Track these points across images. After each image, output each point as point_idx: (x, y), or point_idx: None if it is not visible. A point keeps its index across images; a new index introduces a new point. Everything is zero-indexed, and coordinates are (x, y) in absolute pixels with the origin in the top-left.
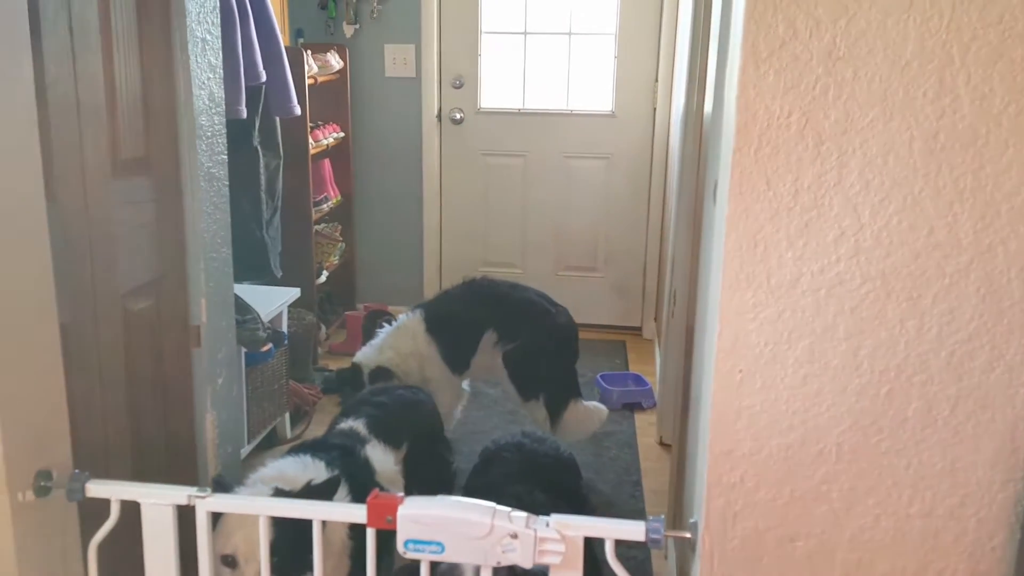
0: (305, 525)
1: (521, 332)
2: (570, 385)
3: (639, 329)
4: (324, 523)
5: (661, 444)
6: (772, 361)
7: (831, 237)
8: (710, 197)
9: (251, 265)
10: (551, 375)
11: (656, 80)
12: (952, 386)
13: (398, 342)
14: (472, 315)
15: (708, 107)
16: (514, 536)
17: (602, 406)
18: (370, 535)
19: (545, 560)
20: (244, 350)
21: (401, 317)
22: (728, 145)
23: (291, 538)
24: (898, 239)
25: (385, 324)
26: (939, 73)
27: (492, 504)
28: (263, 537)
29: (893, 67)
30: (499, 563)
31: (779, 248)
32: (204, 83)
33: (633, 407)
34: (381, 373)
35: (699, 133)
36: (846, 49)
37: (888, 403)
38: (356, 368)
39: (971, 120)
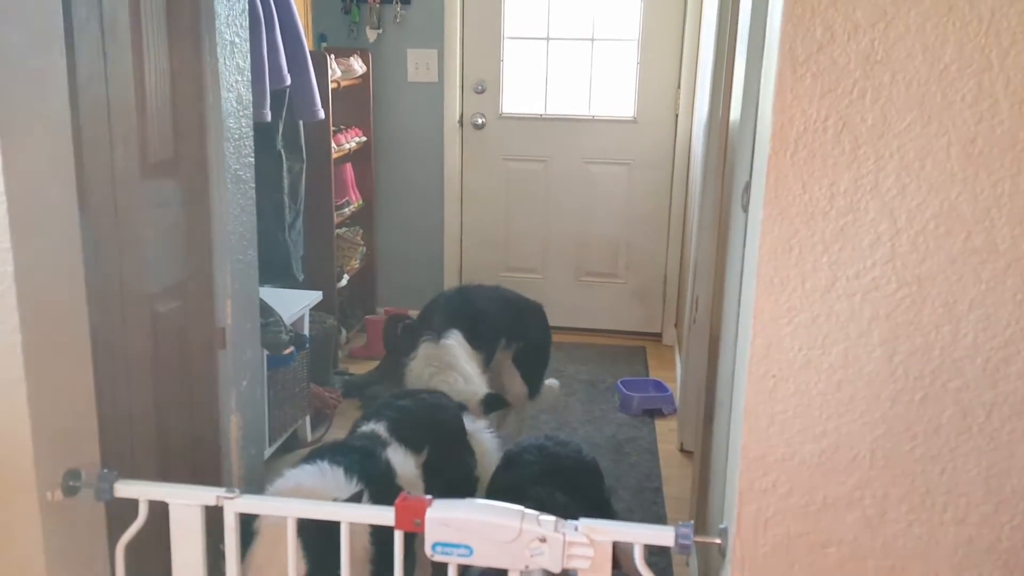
0: (334, 554)
1: (526, 332)
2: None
3: (659, 335)
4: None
5: (682, 451)
6: (806, 366)
7: (867, 242)
8: (737, 203)
9: (273, 268)
10: (542, 363)
11: (678, 86)
12: (987, 392)
13: (467, 366)
14: (490, 323)
15: (735, 113)
16: (542, 540)
17: (554, 380)
18: (398, 537)
19: (573, 564)
20: (266, 353)
21: (445, 342)
22: (763, 149)
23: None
24: (934, 244)
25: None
26: (978, 77)
27: (520, 507)
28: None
29: (931, 71)
30: (527, 567)
31: (814, 252)
32: (232, 85)
33: (654, 413)
34: (492, 399)
35: (724, 139)
36: (884, 53)
37: (923, 409)
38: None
39: (1009, 125)
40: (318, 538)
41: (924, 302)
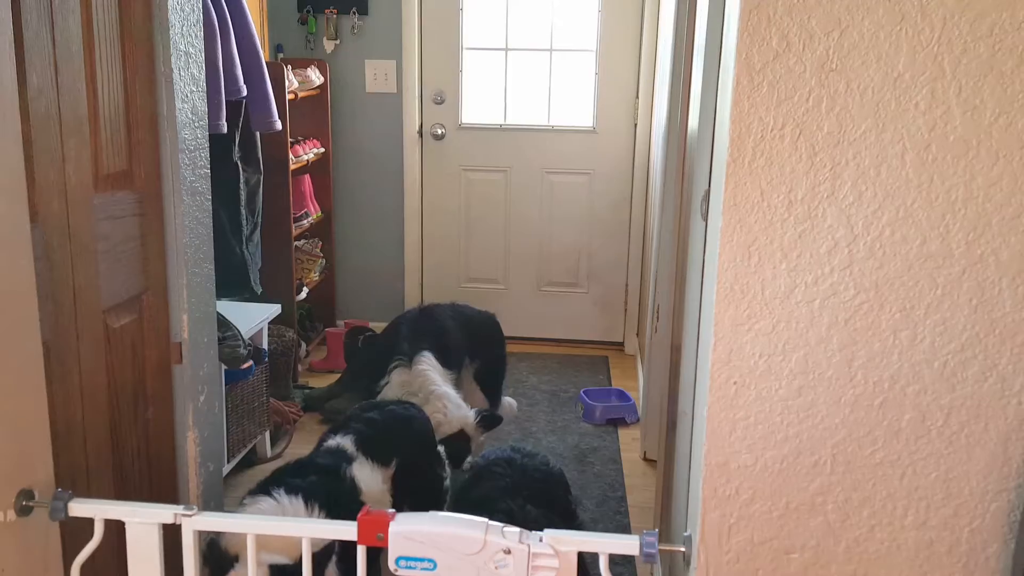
0: None
1: (484, 349)
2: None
3: (621, 344)
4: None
5: (645, 459)
6: (767, 373)
7: (824, 248)
8: (696, 211)
9: (231, 281)
10: (500, 376)
11: (637, 96)
12: (945, 396)
13: (448, 389)
14: (455, 342)
15: (693, 121)
16: (507, 552)
17: (512, 400)
18: (360, 552)
19: None
20: (224, 367)
21: (419, 368)
22: (721, 157)
23: None
24: (891, 250)
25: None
26: (931, 85)
27: (484, 520)
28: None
29: (885, 79)
30: None
31: (773, 259)
32: (187, 96)
33: (616, 422)
34: (487, 419)
35: (683, 148)
36: (839, 61)
37: (882, 414)
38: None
39: (962, 132)
40: None
41: (882, 307)
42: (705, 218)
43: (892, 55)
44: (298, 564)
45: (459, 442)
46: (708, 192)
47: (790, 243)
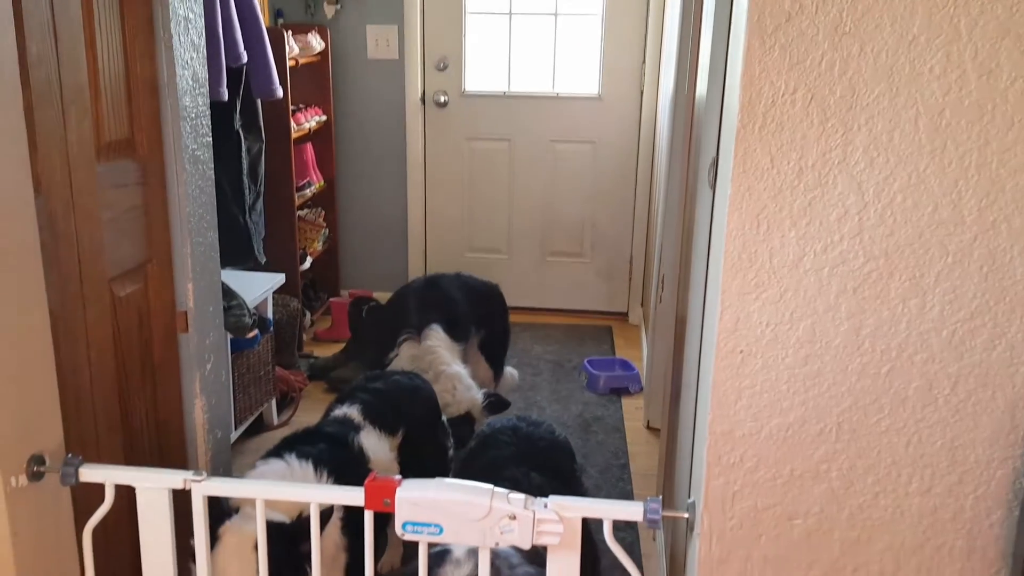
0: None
1: (488, 320)
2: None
3: (625, 314)
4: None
5: (648, 428)
6: (773, 341)
7: (834, 216)
8: (703, 180)
9: (234, 251)
10: (504, 346)
11: (643, 62)
12: (953, 364)
13: (457, 368)
14: (462, 314)
15: (701, 88)
16: (512, 517)
17: (514, 370)
18: (368, 517)
19: (543, 541)
20: (230, 336)
21: (428, 343)
22: (731, 123)
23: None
24: (902, 217)
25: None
26: (946, 48)
27: (490, 486)
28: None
29: (900, 42)
30: (497, 544)
31: (782, 227)
32: (187, 63)
33: (620, 392)
34: (494, 402)
35: (690, 115)
36: (853, 24)
37: (889, 382)
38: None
39: (977, 96)
40: (279, 548)
41: (891, 276)
42: (712, 186)
43: (907, 17)
44: (295, 522)
45: (464, 424)
46: (716, 160)
47: (799, 211)
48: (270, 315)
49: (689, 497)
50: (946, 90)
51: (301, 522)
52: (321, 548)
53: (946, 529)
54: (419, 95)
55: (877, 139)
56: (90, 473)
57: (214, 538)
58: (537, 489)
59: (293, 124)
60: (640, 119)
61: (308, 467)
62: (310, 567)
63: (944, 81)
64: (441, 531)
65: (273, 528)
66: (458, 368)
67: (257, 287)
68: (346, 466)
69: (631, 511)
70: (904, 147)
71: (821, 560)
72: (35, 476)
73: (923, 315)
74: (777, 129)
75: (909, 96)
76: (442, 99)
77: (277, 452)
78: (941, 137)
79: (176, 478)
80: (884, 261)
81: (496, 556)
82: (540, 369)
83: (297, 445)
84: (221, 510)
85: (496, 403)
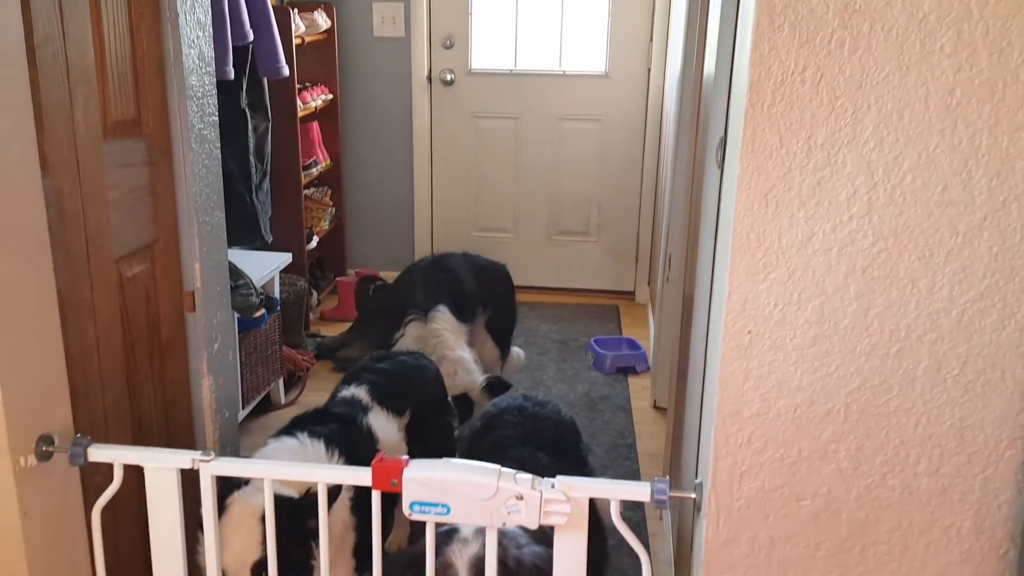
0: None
1: (495, 300)
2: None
3: (632, 294)
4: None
5: (655, 408)
6: (782, 322)
7: (844, 195)
8: (711, 159)
9: (241, 230)
10: (511, 325)
11: (651, 39)
12: (962, 345)
13: (461, 352)
14: (470, 294)
15: (709, 66)
16: (519, 498)
17: (520, 350)
18: (375, 497)
19: (550, 521)
20: (237, 316)
21: (433, 326)
22: (740, 102)
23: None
24: (911, 197)
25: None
26: (957, 26)
27: (497, 466)
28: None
29: (910, 20)
30: (504, 524)
31: (791, 207)
32: (193, 41)
33: (627, 371)
34: (493, 385)
35: (698, 93)
36: (863, 2)
37: (898, 362)
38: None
39: (988, 75)
40: (285, 523)
41: (900, 256)
42: (720, 165)
43: None
44: (303, 498)
45: (464, 403)
46: (723, 139)
47: (808, 190)
48: (277, 294)
49: (696, 478)
50: (957, 69)
51: (309, 497)
52: (329, 526)
53: (954, 509)
54: (425, 73)
55: (887, 118)
56: (99, 453)
57: (221, 508)
58: (544, 469)
59: (299, 103)
60: (647, 97)
61: (320, 445)
62: (316, 543)
63: (955, 59)
64: (448, 511)
65: (281, 502)
66: (462, 353)
67: (264, 266)
68: (356, 446)
69: (638, 491)
70: (914, 126)
71: (829, 540)
72: (44, 456)
73: (932, 295)
74: (786, 108)
75: (919, 75)
76: (448, 77)
77: (288, 431)
78: (951, 116)
79: (184, 458)
80: (893, 241)
81: (503, 535)
82: (546, 348)
83: (308, 425)
84: (230, 481)
85: (495, 386)
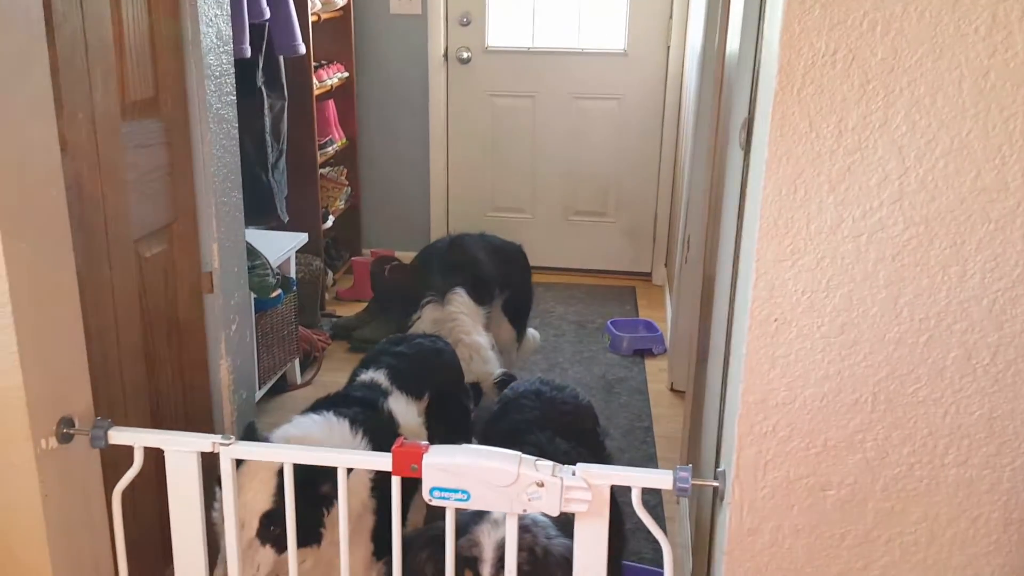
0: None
1: (512, 281)
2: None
3: (649, 275)
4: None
5: (672, 391)
6: (809, 309)
7: (874, 181)
8: (734, 140)
9: (257, 210)
10: (527, 307)
11: (671, 16)
12: (993, 334)
13: (478, 338)
14: (487, 276)
15: (732, 45)
16: (540, 485)
17: (535, 332)
18: (395, 483)
19: (571, 508)
20: (253, 296)
21: (450, 308)
22: (768, 85)
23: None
24: (943, 183)
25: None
26: (992, 8)
27: (518, 453)
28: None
29: (944, 1)
30: (524, 511)
31: (820, 193)
32: (212, 20)
33: (644, 353)
34: (506, 381)
35: (720, 73)
36: None
37: (927, 351)
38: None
39: None
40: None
41: (931, 243)
42: (745, 148)
43: None
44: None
45: (476, 386)
46: (748, 121)
47: (838, 175)
48: (293, 274)
49: (719, 465)
50: (991, 51)
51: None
52: (351, 504)
53: (982, 501)
54: (442, 51)
55: (919, 102)
56: (119, 436)
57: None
58: (562, 455)
59: (315, 81)
60: (667, 75)
61: (344, 424)
62: (327, 510)
63: (989, 42)
64: (468, 497)
65: (298, 464)
66: (479, 338)
67: (280, 246)
68: (379, 430)
69: (661, 480)
70: (947, 110)
71: (854, 531)
72: (65, 438)
73: (963, 283)
74: (816, 91)
75: (953, 58)
76: (465, 55)
77: (314, 411)
78: (985, 100)
79: (205, 441)
80: (924, 228)
81: (534, 523)
82: (563, 330)
83: (331, 407)
84: (251, 434)
85: (508, 381)
